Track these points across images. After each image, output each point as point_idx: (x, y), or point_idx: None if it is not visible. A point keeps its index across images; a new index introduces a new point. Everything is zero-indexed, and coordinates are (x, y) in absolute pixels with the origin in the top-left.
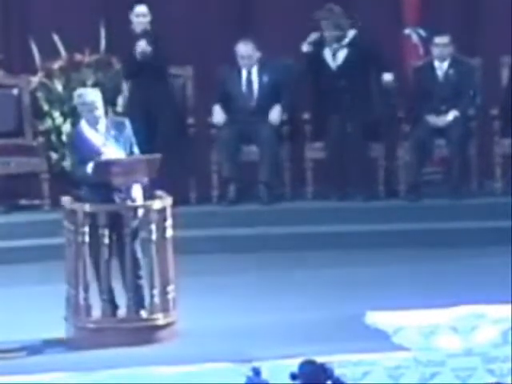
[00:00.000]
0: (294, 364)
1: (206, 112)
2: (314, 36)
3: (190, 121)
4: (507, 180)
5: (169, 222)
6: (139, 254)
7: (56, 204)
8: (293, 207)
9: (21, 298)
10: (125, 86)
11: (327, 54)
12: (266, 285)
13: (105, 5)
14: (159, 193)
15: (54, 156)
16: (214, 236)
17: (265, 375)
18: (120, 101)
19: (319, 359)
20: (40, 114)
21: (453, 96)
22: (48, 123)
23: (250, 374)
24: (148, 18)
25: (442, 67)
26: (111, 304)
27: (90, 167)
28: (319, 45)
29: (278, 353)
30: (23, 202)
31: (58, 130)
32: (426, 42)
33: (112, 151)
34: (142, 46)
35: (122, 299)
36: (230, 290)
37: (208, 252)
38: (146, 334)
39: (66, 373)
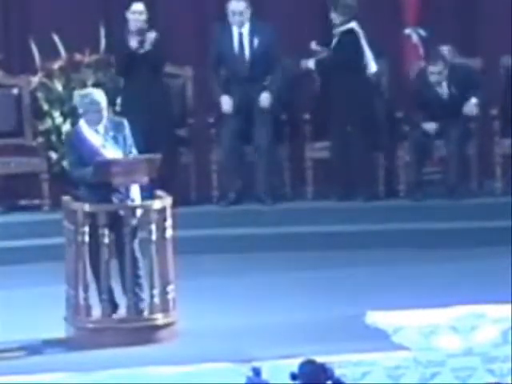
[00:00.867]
0: (294, 364)
1: (206, 112)
2: (320, 54)
3: (190, 121)
4: (507, 180)
5: (169, 222)
6: (138, 254)
7: (56, 204)
8: (293, 207)
9: (21, 298)
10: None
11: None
12: (265, 285)
13: (105, 5)
14: (159, 193)
15: (54, 156)
16: (213, 236)
17: (265, 375)
18: (120, 101)
19: (319, 359)
20: (40, 114)
21: (452, 104)
22: (48, 123)
23: (250, 374)
24: (144, 16)
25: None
26: (111, 304)
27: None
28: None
29: (278, 353)
30: (23, 202)
31: (57, 130)
32: (426, 42)
33: (110, 152)
34: (136, 41)
35: (121, 299)
36: (229, 290)
37: (208, 252)
38: (146, 334)
39: (66, 373)
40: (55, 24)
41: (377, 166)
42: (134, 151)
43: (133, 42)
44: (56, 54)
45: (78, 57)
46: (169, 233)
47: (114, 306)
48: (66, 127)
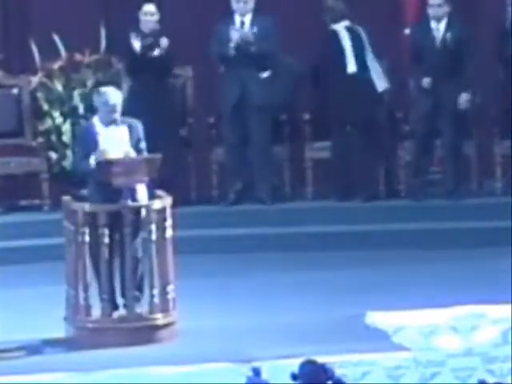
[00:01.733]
0: (294, 364)
1: (206, 112)
2: None
3: (190, 121)
4: (507, 180)
5: (169, 222)
6: (139, 254)
7: (56, 204)
8: (293, 207)
9: (21, 297)
10: (125, 86)
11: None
12: (266, 285)
13: (105, 5)
14: (159, 193)
15: (54, 156)
16: (213, 236)
17: (265, 375)
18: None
19: (319, 359)
20: (40, 114)
21: (450, 59)
22: (48, 123)
23: (250, 373)
24: (156, 17)
25: (438, 29)
26: (111, 304)
27: (92, 159)
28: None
29: (278, 353)
30: (23, 202)
31: (57, 130)
32: None
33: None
34: (164, 42)
35: (121, 299)
36: (229, 290)
37: (208, 252)
38: (146, 333)
39: (66, 373)
40: (55, 24)
41: (377, 166)
42: (145, 154)
43: (143, 44)
44: (56, 54)
45: (78, 57)
46: (169, 233)
47: (115, 307)
48: (66, 127)
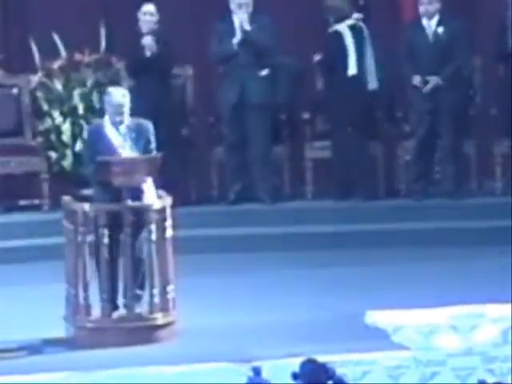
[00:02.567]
0: (294, 363)
1: (206, 112)
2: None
3: (190, 120)
4: (507, 180)
5: (169, 222)
6: (139, 254)
7: (56, 204)
8: (293, 207)
9: (20, 297)
10: (124, 85)
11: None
12: (265, 285)
13: (105, 5)
14: (159, 193)
15: (54, 156)
16: (214, 236)
17: (265, 375)
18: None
19: (319, 359)
20: (40, 114)
21: (443, 56)
22: (48, 123)
23: (251, 373)
24: (155, 17)
25: (430, 25)
26: (111, 303)
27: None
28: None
29: (279, 352)
30: (23, 202)
31: (57, 130)
32: None
33: (128, 153)
34: (148, 42)
35: (122, 299)
36: (229, 289)
37: (208, 252)
38: (146, 333)
39: (66, 372)
40: (55, 24)
41: (377, 165)
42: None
43: (144, 43)
44: (56, 54)
45: (77, 56)
46: (169, 233)
47: (115, 306)
48: (66, 127)
